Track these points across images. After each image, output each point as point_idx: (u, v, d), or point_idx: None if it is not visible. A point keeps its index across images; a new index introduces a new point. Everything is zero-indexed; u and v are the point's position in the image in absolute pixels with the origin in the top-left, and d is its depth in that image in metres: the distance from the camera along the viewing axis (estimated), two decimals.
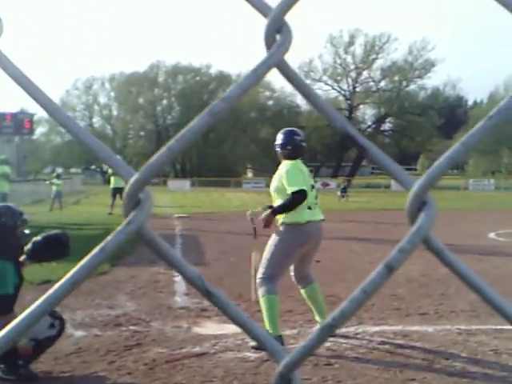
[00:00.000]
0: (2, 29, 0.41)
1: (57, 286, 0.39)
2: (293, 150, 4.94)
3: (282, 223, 4.83)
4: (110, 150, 0.43)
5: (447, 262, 0.41)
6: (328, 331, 0.40)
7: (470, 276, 0.41)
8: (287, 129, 5.11)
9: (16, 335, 0.40)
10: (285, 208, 4.73)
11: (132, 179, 0.41)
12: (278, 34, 0.42)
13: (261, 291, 4.75)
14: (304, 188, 4.70)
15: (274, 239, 4.86)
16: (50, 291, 0.40)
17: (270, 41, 0.42)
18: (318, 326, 0.42)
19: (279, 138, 5.01)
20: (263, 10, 0.42)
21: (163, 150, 0.41)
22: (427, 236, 0.40)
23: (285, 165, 4.91)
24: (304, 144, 5.09)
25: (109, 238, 0.40)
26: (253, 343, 4.66)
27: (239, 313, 0.44)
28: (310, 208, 4.88)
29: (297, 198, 4.68)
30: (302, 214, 4.80)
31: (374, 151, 0.43)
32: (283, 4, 0.41)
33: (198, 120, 0.41)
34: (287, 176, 4.79)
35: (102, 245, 0.40)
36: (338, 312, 0.39)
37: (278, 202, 4.87)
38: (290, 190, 4.70)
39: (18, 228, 4.17)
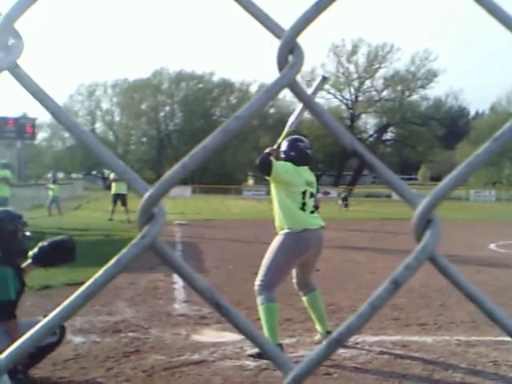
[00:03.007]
0: (22, 48, 0.43)
1: (70, 299, 0.40)
2: (296, 155, 4.99)
3: (282, 230, 4.84)
4: (124, 165, 0.45)
5: (452, 278, 0.42)
6: (335, 346, 0.41)
7: (474, 292, 0.42)
8: (292, 136, 5.13)
9: (27, 348, 0.41)
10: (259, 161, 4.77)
11: (146, 194, 0.42)
12: (290, 54, 0.43)
13: (259, 299, 4.73)
14: (272, 162, 4.69)
15: (273, 246, 4.85)
16: (64, 304, 0.41)
17: (282, 62, 0.43)
18: (323, 341, 0.43)
19: (284, 146, 5.04)
20: (276, 31, 0.43)
21: (177, 166, 0.42)
22: (433, 254, 0.41)
23: None
24: (309, 151, 5.11)
25: (124, 250, 0.41)
26: (250, 352, 4.65)
27: (248, 324, 0.45)
28: (312, 212, 4.90)
29: (264, 158, 4.70)
30: (301, 222, 4.81)
31: (381, 168, 0.44)
32: (296, 26, 0.43)
33: (211, 138, 0.42)
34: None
35: (117, 257, 0.41)
36: (344, 327, 0.40)
37: (275, 207, 4.91)
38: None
39: (18, 232, 4.17)
